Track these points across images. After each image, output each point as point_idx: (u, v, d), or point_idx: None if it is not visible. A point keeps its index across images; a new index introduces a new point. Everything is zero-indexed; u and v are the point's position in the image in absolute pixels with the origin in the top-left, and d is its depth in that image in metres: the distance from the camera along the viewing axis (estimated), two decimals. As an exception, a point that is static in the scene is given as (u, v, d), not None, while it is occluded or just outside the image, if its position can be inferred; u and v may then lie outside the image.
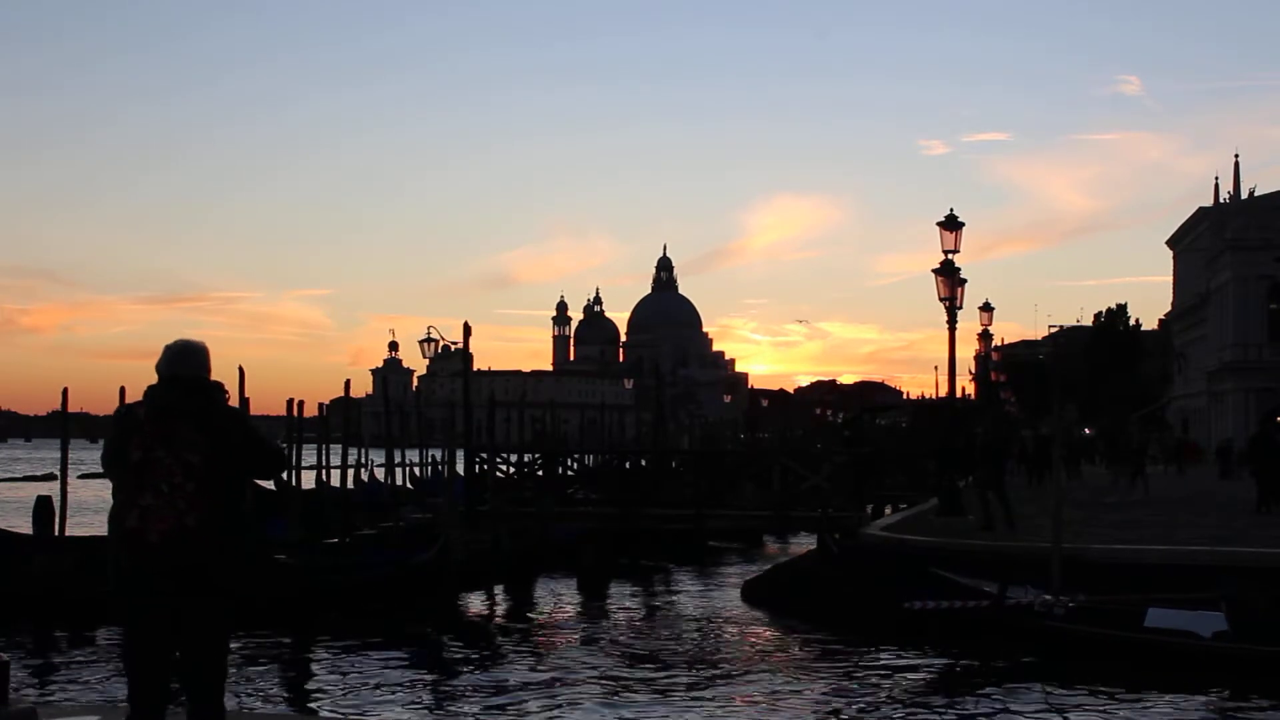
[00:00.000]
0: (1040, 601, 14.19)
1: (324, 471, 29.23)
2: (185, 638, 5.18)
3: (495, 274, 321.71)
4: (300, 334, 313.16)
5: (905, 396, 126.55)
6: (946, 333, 25.05)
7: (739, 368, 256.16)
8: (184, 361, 5.34)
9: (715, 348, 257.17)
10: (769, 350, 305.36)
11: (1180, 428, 72.37)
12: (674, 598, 24.25)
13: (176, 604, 5.11)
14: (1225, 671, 13.22)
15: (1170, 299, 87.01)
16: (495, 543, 22.70)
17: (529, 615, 21.64)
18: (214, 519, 5.12)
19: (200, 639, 5.21)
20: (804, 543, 31.05)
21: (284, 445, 29.09)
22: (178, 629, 5.16)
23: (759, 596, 22.06)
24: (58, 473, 23.72)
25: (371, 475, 36.22)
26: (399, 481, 35.39)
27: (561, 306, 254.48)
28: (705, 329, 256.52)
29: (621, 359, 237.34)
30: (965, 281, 25.80)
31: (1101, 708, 12.74)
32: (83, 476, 47.15)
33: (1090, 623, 13.97)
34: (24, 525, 24.59)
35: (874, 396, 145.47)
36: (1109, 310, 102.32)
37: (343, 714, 13.40)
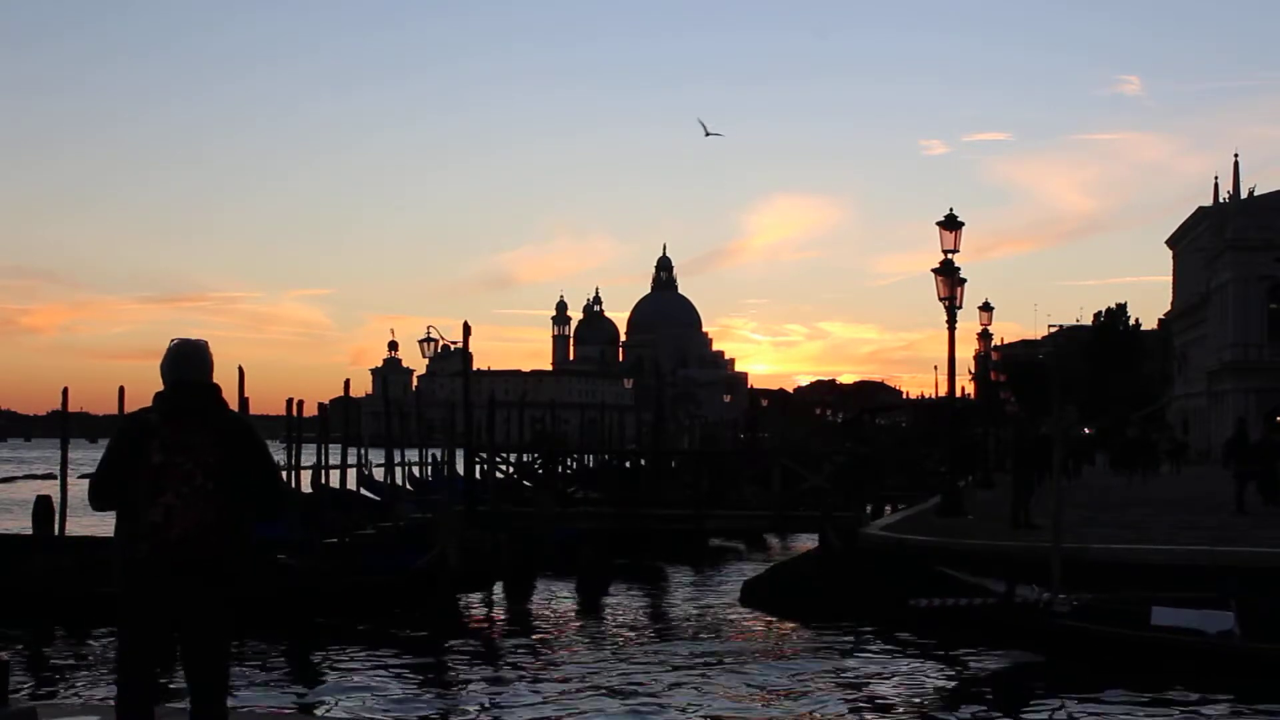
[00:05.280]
0: (1045, 599, 14.17)
1: (324, 471, 29.20)
2: (194, 632, 5.30)
3: (495, 274, 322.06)
4: (300, 334, 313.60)
5: (905, 396, 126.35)
6: (946, 333, 25.06)
7: (739, 368, 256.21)
8: (192, 366, 5.45)
9: (715, 348, 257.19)
10: (769, 350, 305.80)
11: (1180, 428, 72.36)
12: (674, 598, 24.24)
13: (190, 596, 5.21)
14: (1235, 671, 13.19)
15: (1170, 299, 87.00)
16: (494, 543, 22.69)
17: (528, 616, 21.62)
18: (230, 515, 5.29)
19: (208, 633, 5.34)
20: (804, 542, 31.04)
21: (283, 445, 29.19)
22: (184, 626, 5.26)
23: (759, 596, 22.04)
24: (58, 473, 23.68)
25: (371, 475, 36.24)
26: (399, 481, 35.40)
27: (561, 306, 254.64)
28: (705, 329, 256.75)
29: (621, 359, 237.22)
30: (965, 281, 25.82)
31: (1108, 707, 12.73)
32: (83, 476, 47.14)
33: (1096, 620, 13.95)
34: (24, 525, 24.58)
35: (874, 396, 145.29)
36: (1109, 310, 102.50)
37: (342, 714, 13.40)
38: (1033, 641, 14.37)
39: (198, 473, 5.21)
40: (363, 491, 34.48)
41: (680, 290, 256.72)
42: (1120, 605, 14.43)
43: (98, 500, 5.38)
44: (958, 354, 25.83)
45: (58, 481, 23.16)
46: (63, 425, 24.83)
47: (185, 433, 5.25)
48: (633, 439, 60.53)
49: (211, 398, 5.43)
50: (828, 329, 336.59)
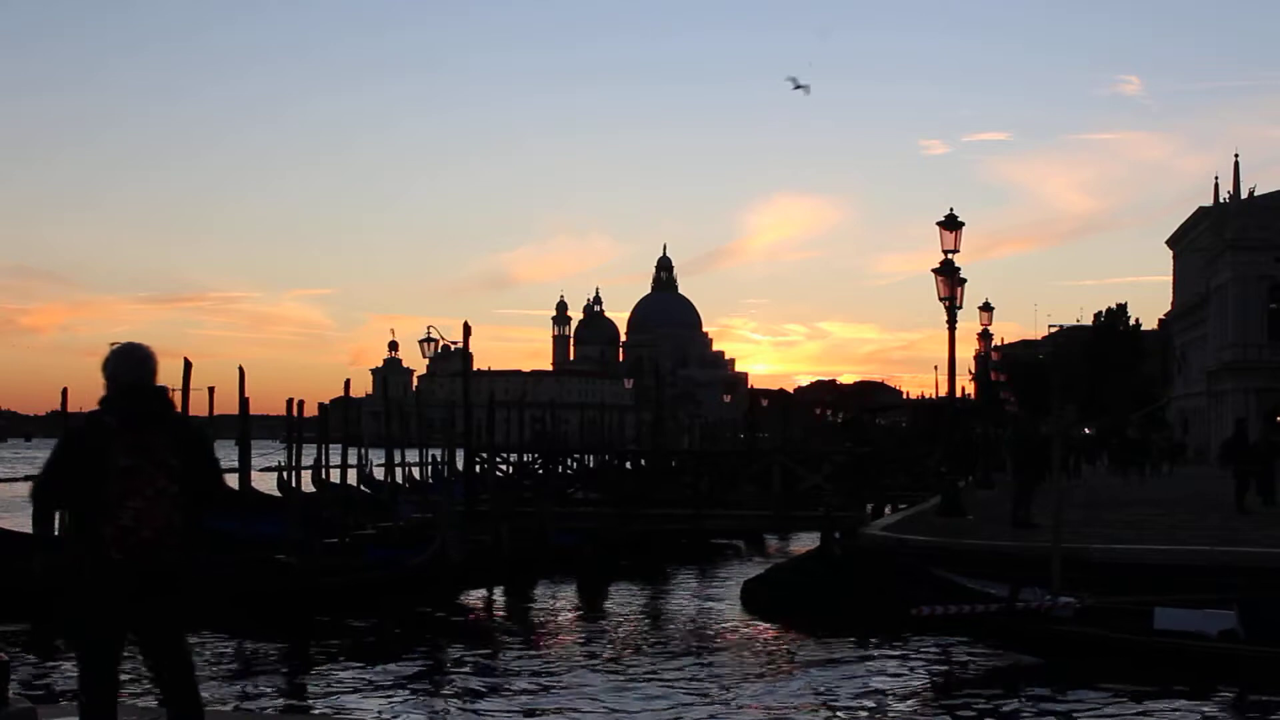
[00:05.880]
0: (1048, 604, 14.14)
1: (324, 471, 29.20)
2: (163, 635, 5.38)
3: (495, 274, 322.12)
4: (300, 334, 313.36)
5: (905, 396, 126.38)
6: (946, 333, 25.04)
7: (739, 368, 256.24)
8: (145, 369, 5.45)
9: (715, 348, 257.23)
10: (769, 350, 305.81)
11: (1180, 428, 72.33)
12: (673, 598, 24.24)
13: (158, 599, 5.28)
14: (1238, 673, 13.17)
15: (1170, 299, 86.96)
16: (495, 542, 22.68)
17: (528, 615, 21.62)
18: (192, 518, 5.37)
19: (176, 635, 5.44)
20: (804, 543, 31.04)
21: (283, 445, 29.15)
22: (153, 629, 5.35)
23: (758, 597, 22.04)
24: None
25: (371, 475, 36.20)
26: (399, 481, 35.37)
27: (561, 306, 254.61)
28: (705, 329, 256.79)
29: (621, 359, 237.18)
30: (965, 281, 25.79)
31: (1111, 709, 12.72)
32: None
33: (1099, 625, 13.93)
34: (24, 525, 24.58)
35: (874, 396, 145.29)
36: (1109, 310, 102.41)
37: (343, 714, 13.39)
38: (1036, 646, 14.35)
39: (161, 475, 5.25)
40: (362, 488, 34.46)
41: (680, 290, 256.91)
42: (1123, 608, 14.40)
43: (45, 499, 5.39)
44: (958, 354, 25.83)
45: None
46: (63, 425, 24.83)
47: (149, 436, 5.28)
48: (633, 439, 60.51)
49: (167, 401, 5.48)
50: (828, 329, 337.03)
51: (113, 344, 5.48)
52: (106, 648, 5.35)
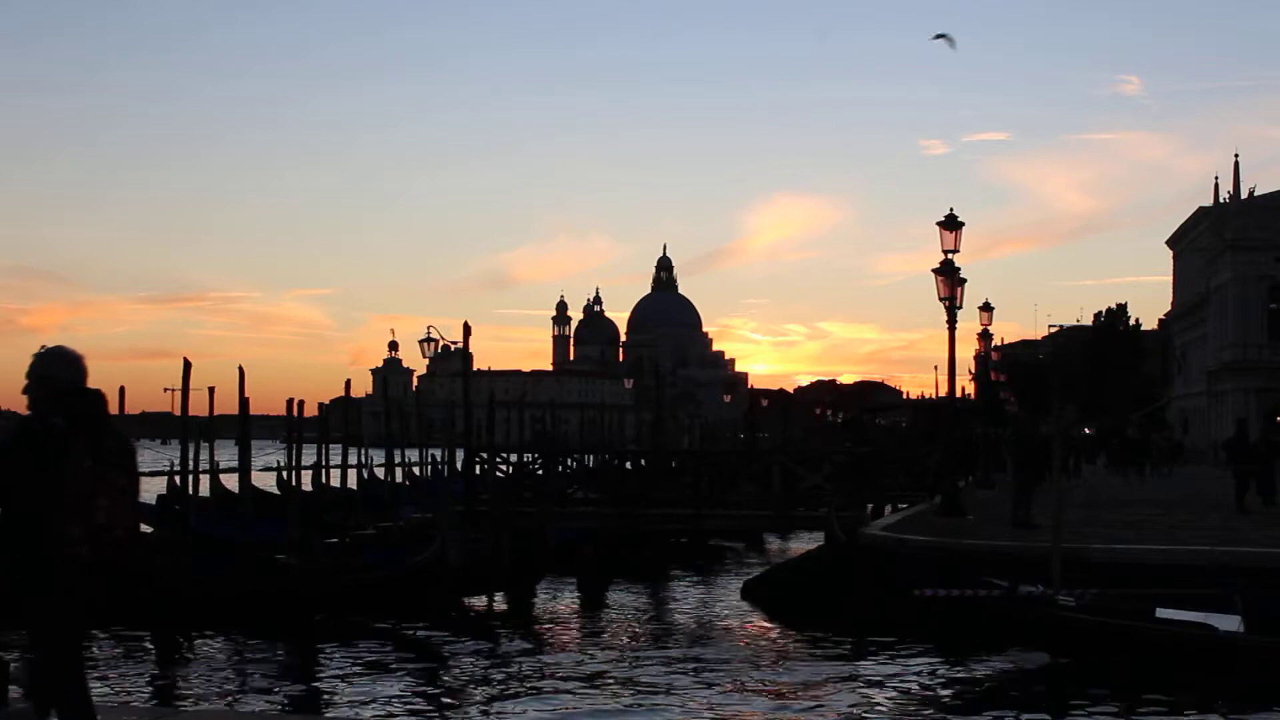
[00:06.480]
0: (1049, 594, 14.14)
1: (324, 471, 29.20)
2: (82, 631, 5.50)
3: (495, 274, 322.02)
4: (300, 334, 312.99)
5: (905, 396, 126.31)
6: (946, 333, 25.03)
7: (739, 368, 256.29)
8: (78, 371, 5.49)
9: (715, 348, 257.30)
10: (769, 350, 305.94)
11: (1180, 428, 72.34)
12: (674, 598, 24.24)
13: (109, 595, 5.36)
14: (1239, 665, 13.17)
15: (1170, 299, 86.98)
16: (494, 542, 22.66)
17: (528, 615, 21.60)
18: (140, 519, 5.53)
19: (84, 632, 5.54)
20: (804, 543, 31.05)
21: (284, 445, 29.18)
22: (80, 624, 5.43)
23: (759, 596, 22.06)
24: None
25: (371, 475, 36.21)
26: (399, 481, 35.38)
27: (561, 306, 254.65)
28: (705, 329, 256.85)
29: (621, 359, 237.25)
30: (965, 281, 25.77)
31: (1112, 704, 12.72)
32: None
33: (1103, 614, 13.93)
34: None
35: (874, 396, 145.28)
36: (1109, 310, 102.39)
37: (342, 714, 13.39)
38: (1036, 635, 14.34)
39: (121, 475, 5.33)
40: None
41: (680, 290, 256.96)
42: (1124, 602, 14.41)
43: None
44: (958, 354, 25.79)
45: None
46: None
47: (100, 438, 5.33)
48: (633, 439, 60.55)
49: (104, 403, 5.51)
50: (828, 329, 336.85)
51: (42, 347, 5.49)
52: (77, 645, 5.41)
